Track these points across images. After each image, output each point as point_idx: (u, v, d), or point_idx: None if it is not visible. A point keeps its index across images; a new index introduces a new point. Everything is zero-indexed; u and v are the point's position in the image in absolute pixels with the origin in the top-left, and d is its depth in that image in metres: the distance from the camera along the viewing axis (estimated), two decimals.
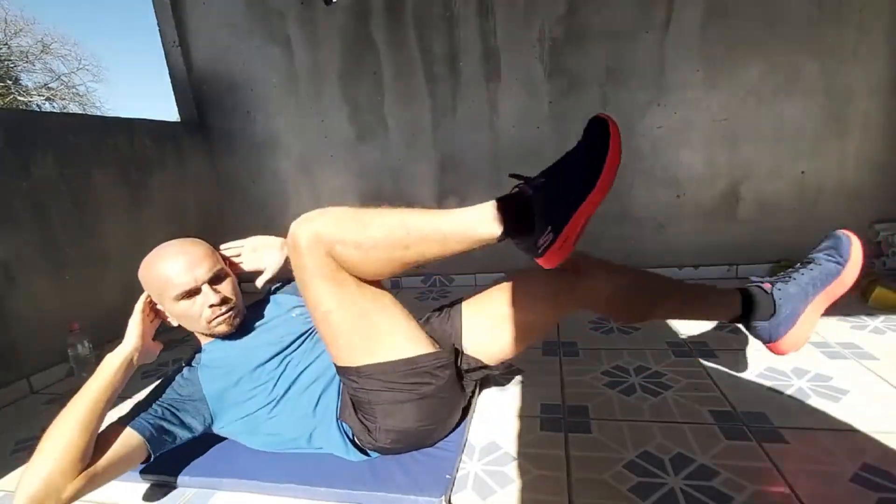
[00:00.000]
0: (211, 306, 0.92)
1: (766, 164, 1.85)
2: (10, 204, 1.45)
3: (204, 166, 2.31)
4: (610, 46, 1.86)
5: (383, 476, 0.86)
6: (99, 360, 1.58)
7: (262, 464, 0.93)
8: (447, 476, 0.85)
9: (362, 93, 2.13)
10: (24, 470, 0.72)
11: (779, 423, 0.94)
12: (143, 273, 0.95)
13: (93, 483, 0.75)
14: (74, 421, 0.76)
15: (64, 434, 0.74)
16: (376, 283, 0.84)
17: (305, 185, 2.31)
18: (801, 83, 1.76)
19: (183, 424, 0.89)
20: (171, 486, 0.93)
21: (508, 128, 2.03)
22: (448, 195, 2.17)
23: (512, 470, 0.88)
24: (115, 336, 1.76)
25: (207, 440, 1.03)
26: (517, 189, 0.79)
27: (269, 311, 1.07)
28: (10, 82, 13.34)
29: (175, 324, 0.98)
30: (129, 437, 0.81)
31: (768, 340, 0.96)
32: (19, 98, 13.41)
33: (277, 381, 0.94)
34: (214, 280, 0.95)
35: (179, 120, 2.32)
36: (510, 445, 0.96)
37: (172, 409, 0.89)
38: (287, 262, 1.07)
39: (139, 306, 0.95)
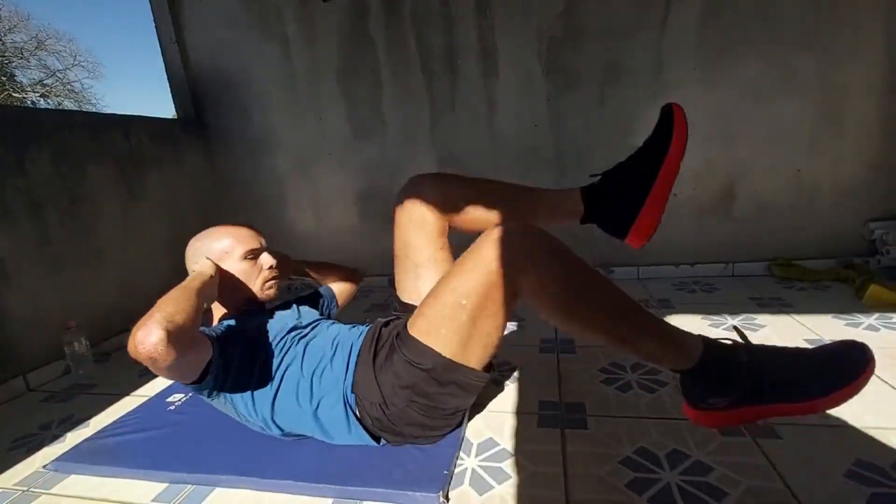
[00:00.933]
0: (269, 268, 1.07)
1: (763, 162, 1.86)
2: (6, 201, 1.45)
3: (201, 164, 2.30)
4: (608, 44, 1.87)
5: (381, 472, 0.87)
6: (96, 357, 1.60)
7: (260, 460, 0.94)
8: (444, 472, 0.85)
9: (360, 90, 2.13)
10: (152, 315, 0.74)
11: (773, 419, 0.95)
12: (207, 238, 1.05)
13: (192, 351, 0.80)
14: (193, 293, 0.83)
15: (189, 297, 0.81)
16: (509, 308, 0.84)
17: (303, 183, 2.31)
18: (798, 82, 1.76)
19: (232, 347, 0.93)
20: (170, 482, 0.93)
21: (506, 125, 2.03)
22: None
23: (509, 466, 0.89)
24: (112, 334, 1.77)
25: (207, 435, 1.04)
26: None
27: (284, 307, 1.13)
28: (4, 79, 13.24)
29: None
30: (202, 338, 0.86)
31: (620, 235, 0.97)
32: (14, 95, 13.32)
33: (291, 347, 0.98)
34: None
35: (176, 117, 2.31)
36: (507, 442, 0.96)
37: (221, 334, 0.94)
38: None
39: (204, 262, 0.99)
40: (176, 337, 0.72)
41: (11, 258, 1.44)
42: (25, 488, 0.96)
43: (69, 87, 14.58)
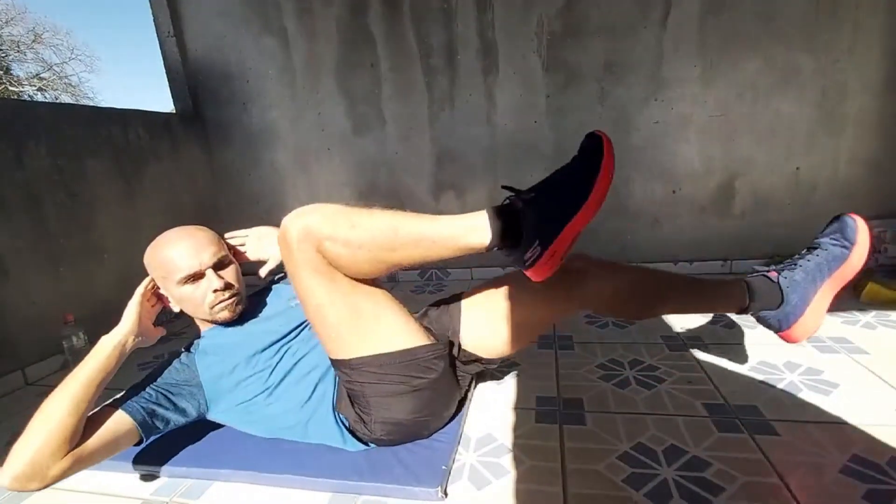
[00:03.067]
0: (214, 291, 0.94)
1: (762, 159, 1.86)
2: (4, 195, 1.44)
3: (199, 158, 2.29)
4: (608, 41, 1.86)
5: (380, 467, 0.87)
6: None
7: (259, 454, 0.94)
8: (443, 467, 0.86)
9: (359, 85, 2.12)
10: (12, 449, 0.71)
11: (770, 415, 0.96)
12: (149, 256, 0.96)
13: (80, 464, 0.75)
14: (65, 401, 0.76)
15: (54, 414, 0.74)
16: (370, 280, 0.84)
17: (301, 178, 2.31)
18: (797, 80, 1.76)
19: (177, 409, 0.89)
20: (169, 476, 0.94)
21: (506, 121, 2.03)
22: (445, 189, 2.17)
23: (507, 461, 0.89)
24: (110, 328, 1.76)
25: (205, 429, 1.04)
26: (508, 201, 0.77)
27: (270, 300, 1.08)
28: (1, 72, 13.16)
29: (177, 310, 0.98)
30: (120, 420, 0.81)
31: (779, 329, 0.94)
32: (11, 88, 13.24)
33: (274, 369, 0.94)
34: (218, 266, 0.96)
35: (174, 111, 2.30)
36: (506, 437, 0.97)
37: (167, 394, 0.89)
38: None
39: (140, 290, 0.94)
40: (32, 473, 0.70)
41: (9, 252, 1.44)
42: None
43: (66, 80, 14.51)
